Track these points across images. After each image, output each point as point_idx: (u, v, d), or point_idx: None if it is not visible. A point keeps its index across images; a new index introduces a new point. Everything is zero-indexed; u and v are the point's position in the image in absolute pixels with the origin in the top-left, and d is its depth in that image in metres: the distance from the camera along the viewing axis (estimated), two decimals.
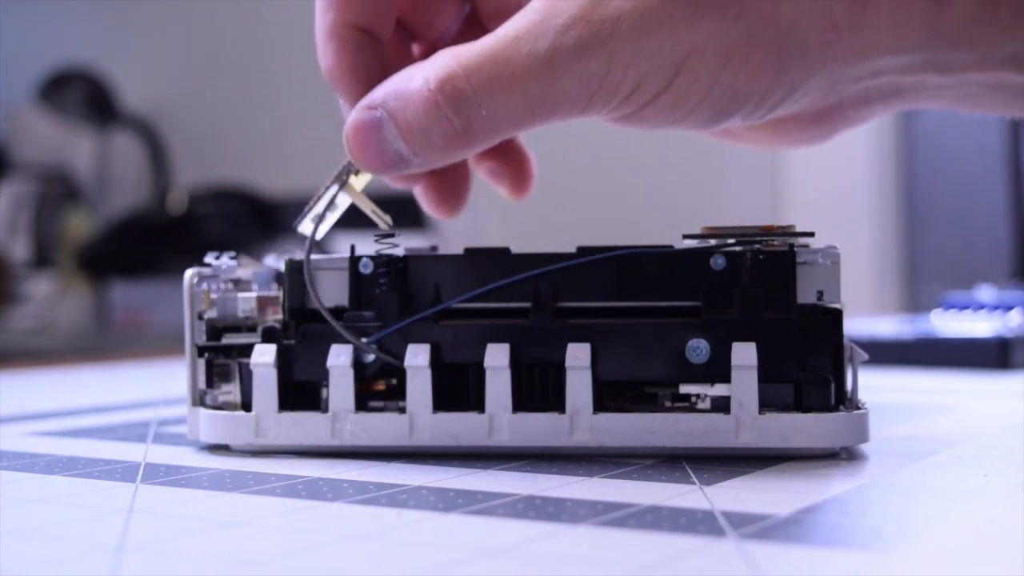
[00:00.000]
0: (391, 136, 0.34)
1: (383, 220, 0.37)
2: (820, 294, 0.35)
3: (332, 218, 0.37)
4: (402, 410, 0.35)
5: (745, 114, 0.35)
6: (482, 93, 0.33)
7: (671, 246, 0.35)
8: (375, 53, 0.38)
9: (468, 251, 0.36)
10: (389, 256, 0.36)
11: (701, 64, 0.33)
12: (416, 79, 0.34)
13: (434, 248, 0.38)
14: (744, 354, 0.33)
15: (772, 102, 0.34)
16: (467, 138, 0.34)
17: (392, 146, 0.34)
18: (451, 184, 0.42)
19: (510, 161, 0.42)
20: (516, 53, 0.33)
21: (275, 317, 0.37)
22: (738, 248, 0.35)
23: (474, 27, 0.42)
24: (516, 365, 0.34)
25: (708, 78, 0.33)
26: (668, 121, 0.35)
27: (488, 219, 1.31)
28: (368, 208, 0.37)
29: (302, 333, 0.36)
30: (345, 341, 0.35)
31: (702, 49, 0.33)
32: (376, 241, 0.36)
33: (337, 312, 0.36)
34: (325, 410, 0.35)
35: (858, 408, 0.34)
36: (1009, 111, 0.36)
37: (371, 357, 0.35)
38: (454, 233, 1.23)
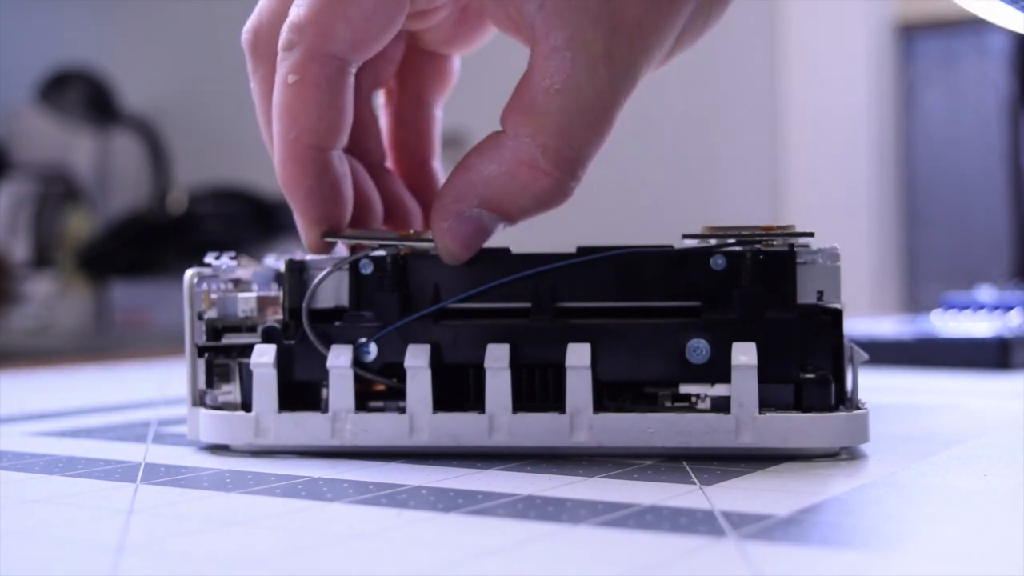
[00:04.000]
0: (490, 222, 0.35)
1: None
2: (820, 294, 0.35)
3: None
4: (402, 410, 0.35)
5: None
6: (582, 145, 0.35)
7: (671, 246, 0.35)
8: (332, 170, 0.37)
9: None
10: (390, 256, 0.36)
11: (697, 24, 0.37)
12: (518, 165, 0.35)
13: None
14: (744, 354, 0.33)
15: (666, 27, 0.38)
16: (570, 187, 0.36)
17: (491, 230, 0.36)
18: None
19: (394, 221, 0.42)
20: (585, 98, 0.34)
21: (275, 317, 0.37)
22: (738, 248, 0.34)
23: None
24: (516, 365, 0.34)
25: (703, 26, 0.37)
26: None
27: None
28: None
29: (302, 333, 0.36)
30: (346, 341, 0.35)
31: (695, 14, 0.37)
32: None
33: (338, 312, 0.36)
34: (325, 410, 0.35)
35: (858, 408, 0.34)
36: None
37: (371, 358, 0.35)
38: None
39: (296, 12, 0.36)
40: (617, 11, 0.34)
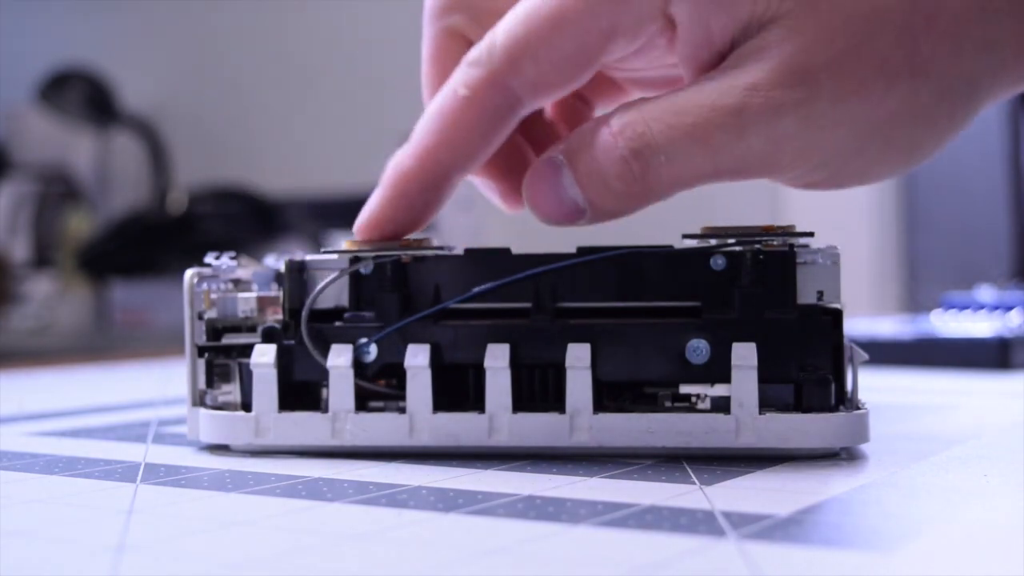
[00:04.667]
0: (568, 183, 0.34)
1: None
2: (820, 294, 0.35)
3: None
4: (402, 410, 0.35)
5: (916, 165, 0.35)
6: (663, 137, 0.33)
7: (671, 246, 0.35)
8: (440, 196, 0.37)
9: (468, 251, 0.36)
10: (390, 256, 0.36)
11: (896, 127, 0.33)
12: (598, 128, 0.34)
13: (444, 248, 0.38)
14: (744, 354, 0.33)
15: (942, 148, 0.35)
16: (644, 184, 0.33)
17: (568, 193, 0.34)
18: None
19: (511, 181, 0.41)
20: (701, 104, 0.33)
21: (275, 317, 0.37)
22: (738, 248, 0.35)
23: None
24: (516, 365, 0.34)
25: (903, 139, 0.34)
26: (852, 184, 0.35)
27: (488, 219, 1.31)
28: None
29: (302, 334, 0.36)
30: (346, 341, 0.35)
31: (896, 112, 0.33)
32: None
33: (337, 312, 0.36)
34: (325, 410, 0.35)
35: (858, 408, 0.34)
36: None
37: (371, 358, 0.35)
38: (455, 233, 1.23)
39: (494, 31, 0.35)
40: (799, 70, 0.32)
